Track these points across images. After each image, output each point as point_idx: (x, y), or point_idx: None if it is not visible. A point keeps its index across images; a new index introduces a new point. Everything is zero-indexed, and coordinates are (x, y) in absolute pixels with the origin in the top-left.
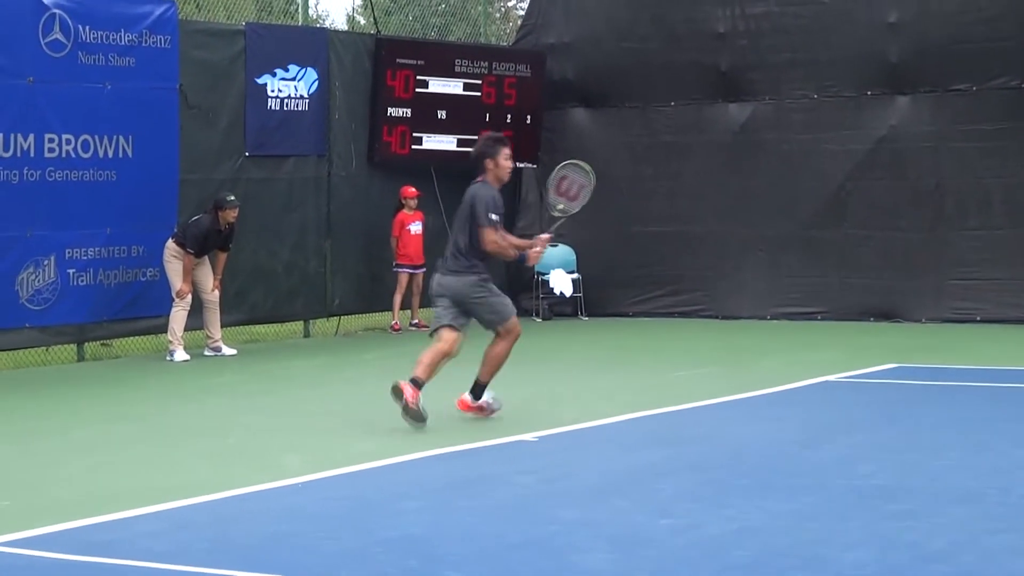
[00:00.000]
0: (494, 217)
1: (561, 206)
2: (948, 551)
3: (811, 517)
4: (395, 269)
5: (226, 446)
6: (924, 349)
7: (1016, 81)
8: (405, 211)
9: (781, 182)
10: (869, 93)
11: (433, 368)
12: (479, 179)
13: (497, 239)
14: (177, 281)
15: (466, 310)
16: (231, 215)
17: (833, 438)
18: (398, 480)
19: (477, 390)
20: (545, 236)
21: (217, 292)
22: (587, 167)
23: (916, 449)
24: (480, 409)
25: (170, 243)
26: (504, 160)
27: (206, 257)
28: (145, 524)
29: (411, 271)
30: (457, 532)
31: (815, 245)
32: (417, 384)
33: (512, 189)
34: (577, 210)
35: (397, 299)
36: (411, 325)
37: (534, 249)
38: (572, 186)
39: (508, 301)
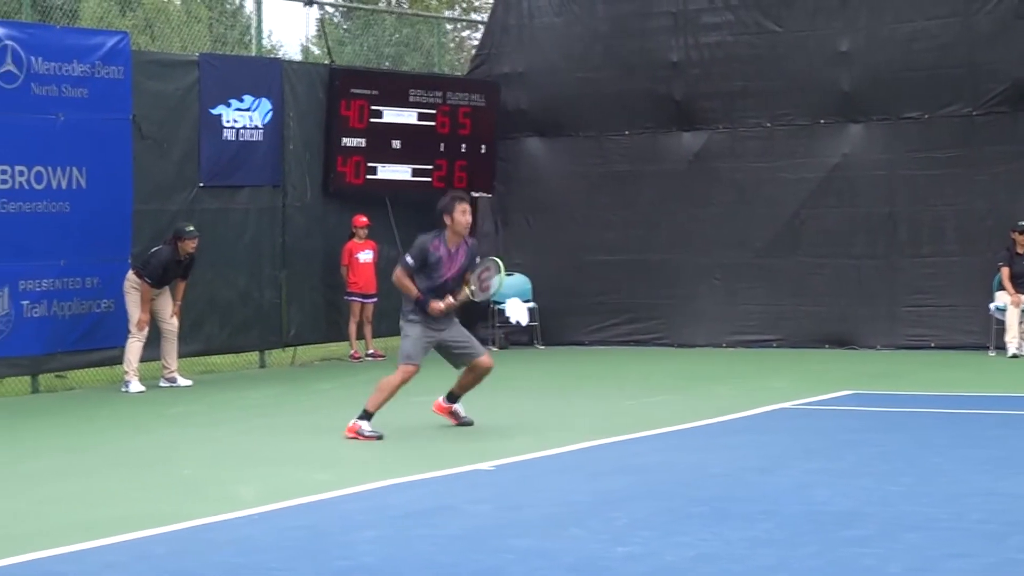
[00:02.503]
0: (409, 260)
1: (473, 288)
2: None
3: (767, 544)
4: (346, 298)
5: (181, 477)
6: (879, 376)
7: (967, 109)
8: (355, 240)
9: (735, 210)
10: (822, 121)
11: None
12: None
13: (400, 276)
14: (136, 312)
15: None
16: (191, 245)
17: (789, 465)
18: (353, 510)
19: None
20: (451, 301)
21: (176, 320)
22: (503, 270)
23: (871, 475)
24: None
25: (130, 274)
26: (459, 215)
27: (166, 287)
28: (102, 556)
29: (362, 300)
30: (413, 562)
31: (770, 273)
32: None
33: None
34: (479, 300)
35: (352, 328)
36: (367, 355)
37: (437, 304)
38: (488, 280)
39: (412, 344)
